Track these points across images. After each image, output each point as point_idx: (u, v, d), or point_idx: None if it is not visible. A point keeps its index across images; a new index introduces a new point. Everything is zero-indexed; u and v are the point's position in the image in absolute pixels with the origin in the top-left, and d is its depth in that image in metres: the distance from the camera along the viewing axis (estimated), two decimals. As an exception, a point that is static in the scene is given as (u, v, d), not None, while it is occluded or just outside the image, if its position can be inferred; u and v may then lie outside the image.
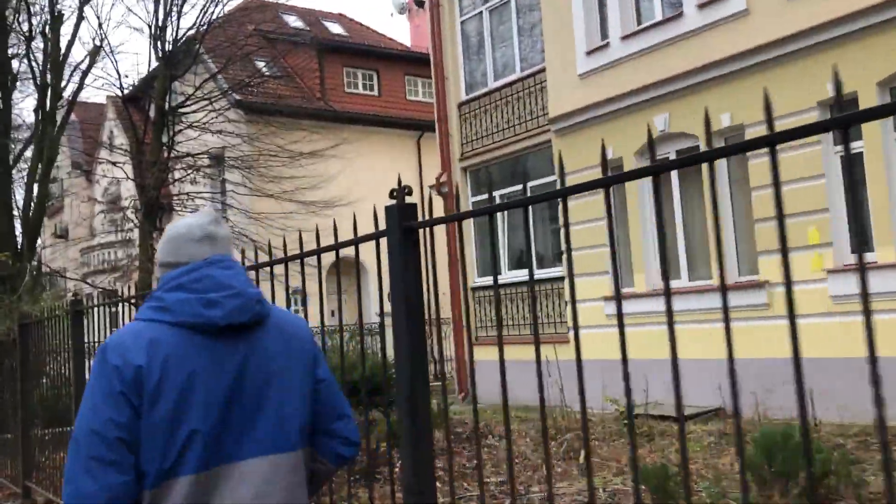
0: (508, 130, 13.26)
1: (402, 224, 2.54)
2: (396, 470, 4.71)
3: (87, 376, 5.64)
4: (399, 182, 2.76)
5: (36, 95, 17.01)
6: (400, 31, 72.27)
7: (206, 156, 17.96)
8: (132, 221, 17.29)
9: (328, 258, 3.18)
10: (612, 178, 1.96)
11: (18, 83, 18.06)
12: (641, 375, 9.58)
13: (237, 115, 20.46)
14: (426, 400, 2.58)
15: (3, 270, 15.24)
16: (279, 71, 23.21)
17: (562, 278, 12.34)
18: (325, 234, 2.91)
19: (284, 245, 3.36)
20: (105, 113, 28.98)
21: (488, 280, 13.66)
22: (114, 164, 17.14)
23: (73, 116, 20.28)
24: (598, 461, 6.74)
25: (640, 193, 10.88)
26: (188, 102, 17.71)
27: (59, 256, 29.97)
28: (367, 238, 2.71)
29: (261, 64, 22.32)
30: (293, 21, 26.57)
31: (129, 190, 20.31)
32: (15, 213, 17.24)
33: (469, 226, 14.04)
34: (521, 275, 13.08)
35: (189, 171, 17.29)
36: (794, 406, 1.58)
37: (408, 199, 2.63)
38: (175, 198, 18.02)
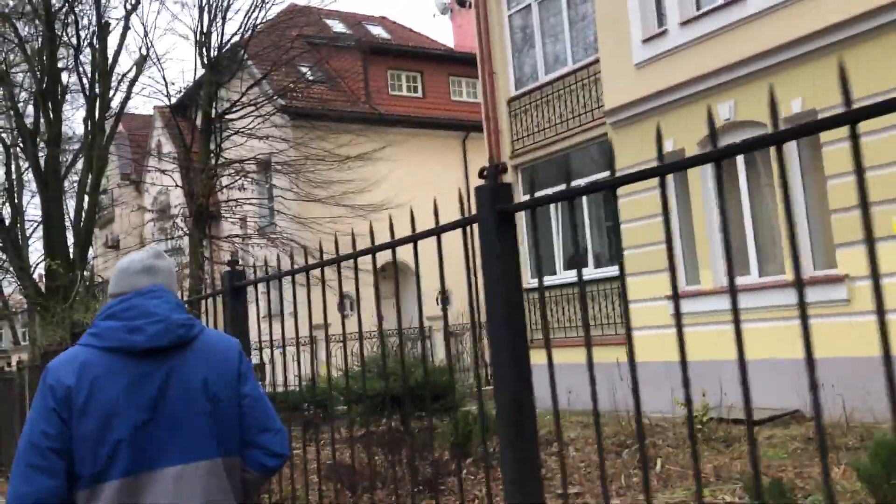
0: (561, 125, 12.84)
1: (497, 207, 2.18)
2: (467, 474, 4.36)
3: None
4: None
5: (85, 106, 17.09)
6: (442, 31, 72.13)
7: (253, 162, 17.87)
8: (181, 229, 17.27)
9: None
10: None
11: (68, 95, 18.25)
12: (714, 377, 9.12)
13: (282, 120, 20.39)
14: (530, 397, 2.17)
15: (55, 280, 15.31)
16: (323, 75, 23.12)
17: (616, 278, 11.87)
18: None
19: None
20: (152, 123, 29.26)
21: (533, 283, 13.23)
22: (163, 172, 17.14)
23: (120, 128, 20.47)
24: (678, 469, 6.28)
25: (704, 185, 10.38)
26: (234, 109, 17.66)
27: (111, 267, 30.34)
28: (452, 226, 2.36)
29: (304, 69, 22.26)
30: (336, 25, 26.48)
31: (177, 198, 20.38)
32: (67, 223, 17.35)
33: (519, 225, 13.66)
34: (573, 275, 12.63)
35: (236, 178, 17.21)
36: (877, 408, 1.21)
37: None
38: (223, 205, 17.98)
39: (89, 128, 16.86)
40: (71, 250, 16.42)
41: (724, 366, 8.78)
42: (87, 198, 16.60)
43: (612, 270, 12.12)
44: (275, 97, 19.58)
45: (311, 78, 21.79)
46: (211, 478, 2.19)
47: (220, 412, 2.23)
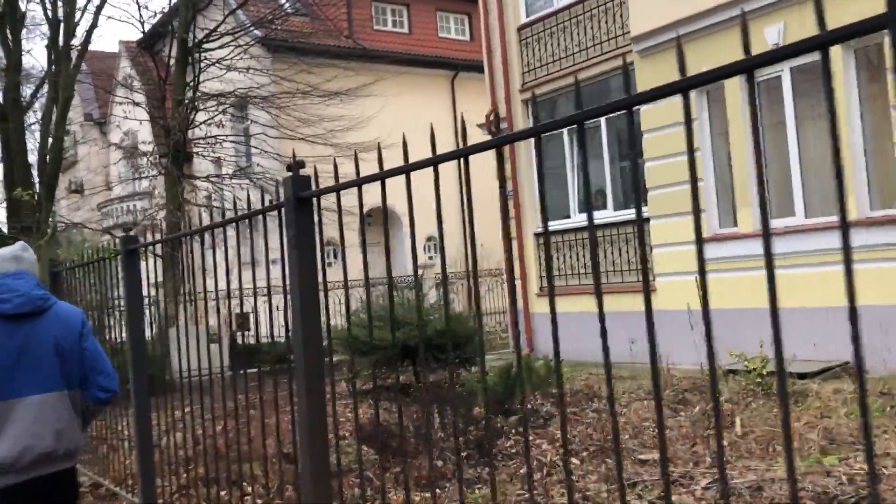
0: (580, 54, 11.80)
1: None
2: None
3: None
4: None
5: (48, 34, 15.60)
6: None
7: (232, 97, 16.57)
8: (156, 166, 16.00)
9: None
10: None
11: (28, 26, 16.69)
12: (752, 326, 8.37)
13: (262, 52, 19.06)
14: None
15: (19, 220, 14.07)
16: (303, 7, 21.69)
17: (643, 219, 11.00)
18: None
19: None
20: (118, 61, 27.49)
21: (554, 224, 12.35)
22: (135, 104, 15.76)
23: (83, 66, 18.92)
24: (760, 434, 5.46)
25: (742, 114, 9.49)
26: (211, 38, 16.29)
27: (75, 213, 28.81)
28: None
29: (283, 0, 20.82)
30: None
31: (147, 137, 19.04)
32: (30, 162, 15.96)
33: (528, 166, 12.72)
34: (595, 217, 11.76)
35: (216, 113, 15.92)
36: None
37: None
38: (199, 142, 16.68)
39: (53, 57, 15.37)
40: (37, 188, 15.06)
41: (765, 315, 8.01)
42: (52, 130, 15.17)
43: (627, 214, 11.26)
44: (252, 28, 18.22)
45: (289, 10, 20.38)
46: (60, 403, 3.19)
47: (66, 360, 3.22)
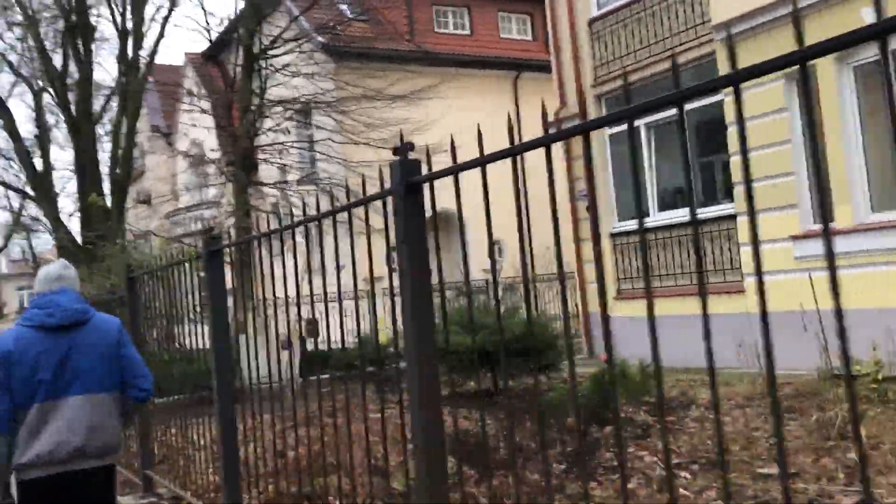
0: (656, 45, 11.32)
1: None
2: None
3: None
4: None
5: (118, 46, 15.79)
6: None
7: (297, 103, 16.50)
8: (223, 174, 16.01)
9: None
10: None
11: (97, 42, 16.97)
12: (861, 328, 7.78)
13: (325, 59, 19.02)
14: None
15: (92, 230, 14.21)
16: (364, 13, 21.61)
17: (730, 217, 10.45)
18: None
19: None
20: (183, 72, 27.90)
21: (631, 224, 11.86)
22: (202, 111, 15.81)
23: (149, 78, 19.16)
24: (892, 446, 4.94)
25: (841, 100, 8.89)
26: (275, 45, 16.28)
27: (143, 223, 29.31)
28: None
29: (343, 6, 20.80)
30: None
31: (212, 149, 19.17)
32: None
33: (603, 164, 12.26)
34: (674, 216, 11.25)
35: (282, 119, 15.87)
36: None
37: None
38: (263, 150, 16.65)
39: (122, 68, 15.53)
40: (108, 199, 15.22)
41: (872, 315, 7.42)
42: (122, 141, 15.31)
43: (719, 210, 10.70)
44: (314, 34, 18.19)
45: (350, 15, 20.33)
46: (97, 405, 3.61)
47: (105, 365, 3.66)
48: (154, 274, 5.15)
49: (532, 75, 22.99)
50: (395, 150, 2.55)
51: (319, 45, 18.74)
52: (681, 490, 4.33)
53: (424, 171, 2.50)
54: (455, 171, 2.32)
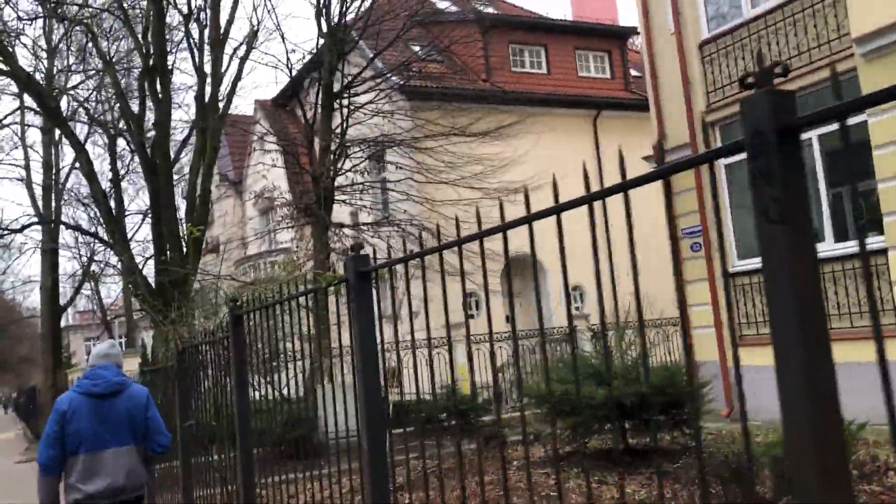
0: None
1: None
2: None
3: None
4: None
5: (196, 84, 15.45)
6: (556, 6, 69.21)
7: (378, 143, 15.90)
8: (300, 216, 15.40)
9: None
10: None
11: (174, 86, 16.71)
12: None
13: (401, 99, 18.50)
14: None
15: (168, 275, 13.62)
16: (438, 54, 21.13)
17: (873, 252, 9.24)
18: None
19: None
20: (255, 119, 27.78)
21: (752, 263, 10.70)
22: (274, 158, 15.26)
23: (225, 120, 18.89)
24: None
25: None
26: (354, 84, 15.78)
27: (212, 273, 28.98)
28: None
29: (416, 48, 20.34)
30: (445, 6, 24.45)
31: (282, 195, 18.71)
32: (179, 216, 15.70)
33: (722, 193, 11.17)
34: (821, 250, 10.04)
35: (363, 159, 15.27)
36: None
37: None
38: (341, 190, 16.03)
39: (199, 108, 15.15)
40: (184, 243, 14.70)
41: None
42: (199, 181, 14.84)
43: (870, 243, 9.47)
44: (390, 75, 17.70)
45: (423, 57, 19.84)
46: (130, 454, 4.67)
47: (135, 424, 4.70)
48: (268, 308, 4.32)
49: (612, 114, 22.13)
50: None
51: (396, 85, 18.25)
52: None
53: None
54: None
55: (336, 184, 14.97)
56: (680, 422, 7.80)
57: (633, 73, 24.48)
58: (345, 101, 15.39)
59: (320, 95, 15.15)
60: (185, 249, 14.00)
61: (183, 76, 66.05)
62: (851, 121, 9.32)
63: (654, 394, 7.18)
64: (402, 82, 18.31)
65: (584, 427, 7.54)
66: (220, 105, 15.58)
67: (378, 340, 3.20)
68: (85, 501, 4.50)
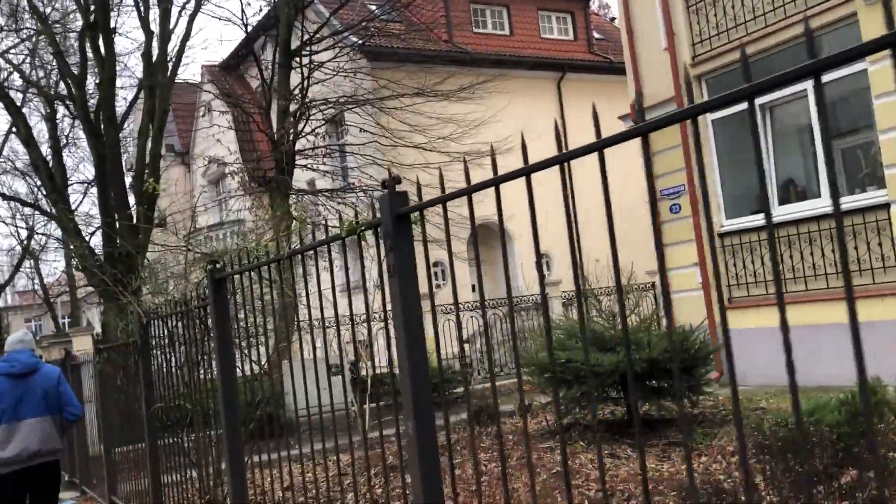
0: (773, 14, 9.82)
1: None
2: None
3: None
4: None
5: (143, 42, 14.33)
6: None
7: (339, 103, 15.04)
8: (256, 183, 14.50)
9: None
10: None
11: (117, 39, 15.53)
12: None
13: (360, 58, 17.62)
14: None
15: (114, 247, 12.66)
16: (397, 14, 20.24)
17: (874, 207, 8.89)
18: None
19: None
20: (202, 81, 26.37)
21: (741, 222, 10.31)
22: (237, 119, 14.32)
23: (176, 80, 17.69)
24: None
25: None
26: (313, 41, 14.87)
27: (159, 243, 27.69)
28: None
29: (373, 7, 19.45)
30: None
31: (236, 162, 17.71)
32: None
33: (708, 156, 10.71)
34: (797, 210, 9.69)
35: (321, 122, 14.41)
36: None
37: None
38: (300, 154, 15.14)
39: (148, 66, 14.06)
40: (133, 212, 13.70)
41: None
42: (149, 148, 13.80)
43: (858, 199, 9.14)
44: (348, 33, 16.81)
45: (381, 15, 18.95)
46: (44, 423, 5.68)
47: (49, 398, 5.73)
48: (250, 271, 3.60)
49: (576, 76, 21.58)
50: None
51: (355, 45, 17.38)
52: None
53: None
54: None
55: (297, 147, 14.12)
56: (691, 387, 7.31)
57: (596, 35, 23.93)
58: (304, 60, 14.47)
59: (278, 53, 14.23)
60: (134, 219, 13.00)
61: (126, 41, 63.45)
62: (843, 72, 8.85)
63: (667, 360, 6.66)
64: (361, 42, 17.44)
65: (586, 397, 6.99)
66: (169, 66, 14.47)
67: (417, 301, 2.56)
68: (2, 464, 5.50)
